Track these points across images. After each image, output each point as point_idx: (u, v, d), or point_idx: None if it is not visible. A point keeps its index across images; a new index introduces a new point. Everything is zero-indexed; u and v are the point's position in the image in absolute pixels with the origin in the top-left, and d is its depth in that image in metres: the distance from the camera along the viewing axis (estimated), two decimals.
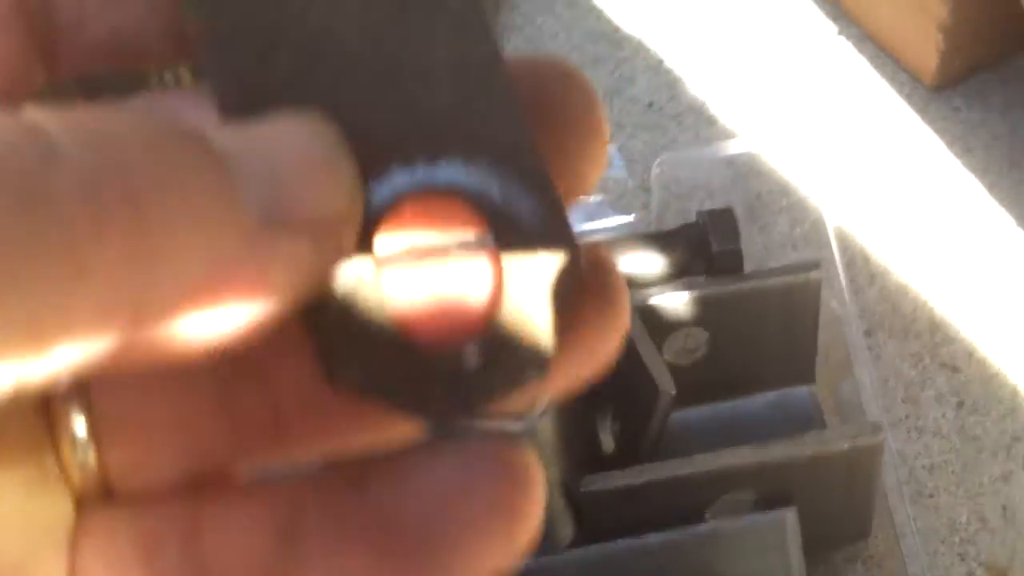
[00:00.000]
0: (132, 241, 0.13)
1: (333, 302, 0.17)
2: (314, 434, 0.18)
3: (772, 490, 0.45)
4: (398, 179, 0.17)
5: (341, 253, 0.16)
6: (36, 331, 0.12)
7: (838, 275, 0.52)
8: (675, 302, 0.50)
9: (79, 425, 0.16)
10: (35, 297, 0.12)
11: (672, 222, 0.54)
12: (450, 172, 0.18)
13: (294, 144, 0.15)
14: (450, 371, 0.17)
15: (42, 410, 0.17)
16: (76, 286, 0.13)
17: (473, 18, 0.18)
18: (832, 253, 0.53)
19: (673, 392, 0.45)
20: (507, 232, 0.17)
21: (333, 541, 0.17)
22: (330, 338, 0.17)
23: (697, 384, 0.50)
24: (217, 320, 0.14)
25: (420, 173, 0.17)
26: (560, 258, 0.17)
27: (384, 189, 0.17)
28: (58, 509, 0.17)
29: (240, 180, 0.14)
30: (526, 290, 0.17)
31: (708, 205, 0.57)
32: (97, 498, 0.17)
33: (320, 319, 0.17)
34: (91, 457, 0.17)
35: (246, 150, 0.15)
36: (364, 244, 0.17)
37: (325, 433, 0.18)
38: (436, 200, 0.17)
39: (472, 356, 0.17)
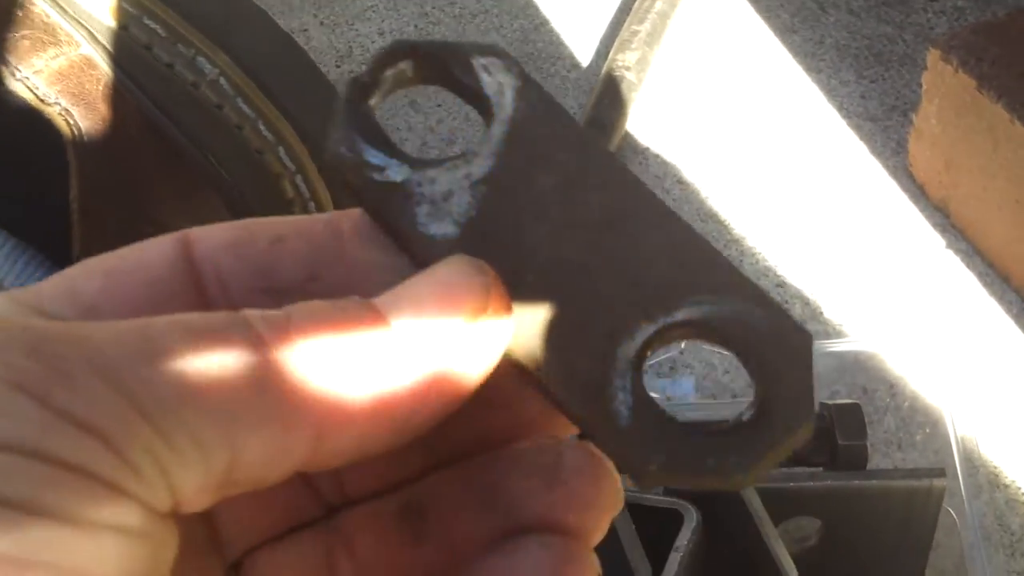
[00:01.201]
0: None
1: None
2: None
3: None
4: (644, 331, 0.22)
5: (502, 338, 0.20)
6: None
7: (959, 484, 0.51)
8: (796, 491, 0.49)
9: None
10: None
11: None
12: (686, 313, 0.23)
13: (435, 278, 0.20)
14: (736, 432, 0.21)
15: None
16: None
17: (664, 211, 0.23)
18: (954, 462, 0.52)
19: None
20: (748, 338, 0.22)
21: None
22: (626, 449, 0.21)
23: (807, 572, 0.49)
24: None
25: (661, 320, 0.22)
26: (804, 338, 0.22)
27: (634, 342, 0.22)
28: None
29: (392, 316, 0.19)
30: (787, 364, 0.22)
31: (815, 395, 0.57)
32: None
33: (605, 434, 0.21)
34: None
35: (398, 293, 0.20)
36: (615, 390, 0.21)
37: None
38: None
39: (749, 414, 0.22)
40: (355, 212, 0.22)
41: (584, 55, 0.76)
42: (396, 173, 0.22)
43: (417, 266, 0.21)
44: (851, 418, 0.50)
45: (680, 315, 0.22)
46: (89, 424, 0.16)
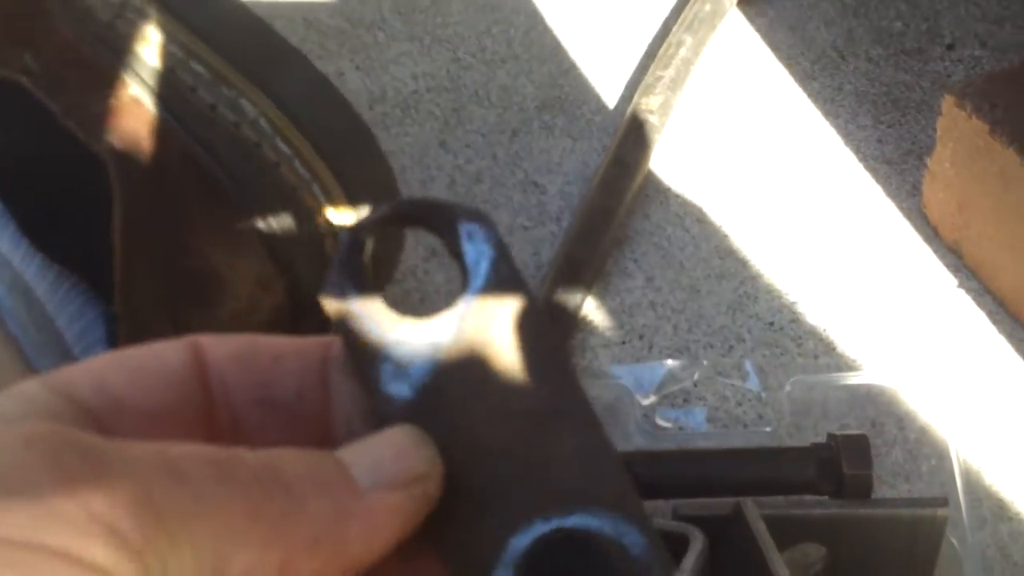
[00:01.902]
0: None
1: None
2: None
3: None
4: (538, 527, 0.24)
5: (429, 503, 0.23)
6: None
7: (961, 514, 0.53)
8: (801, 518, 0.50)
9: None
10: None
11: (788, 437, 0.55)
12: (576, 520, 0.24)
13: (392, 442, 0.23)
14: None
15: None
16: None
17: (590, 419, 0.25)
18: (957, 493, 0.53)
19: None
20: (622, 559, 0.24)
21: None
22: None
23: None
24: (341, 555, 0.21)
25: (555, 522, 0.24)
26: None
27: (527, 536, 0.24)
28: None
29: (354, 468, 0.23)
30: None
31: (824, 426, 0.59)
32: None
33: None
34: None
35: (359, 452, 0.23)
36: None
37: None
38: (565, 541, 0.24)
39: None
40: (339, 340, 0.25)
41: (609, 99, 0.79)
42: (374, 328, 0.25)
43: (376, 413, 0.24)
44: (857, 448, 0.52)
45: (571, 521, 0.25)
46: (118, 530, 0.19)
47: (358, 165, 0.54)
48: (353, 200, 0.53)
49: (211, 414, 0.24)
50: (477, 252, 0.25)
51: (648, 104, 0.76)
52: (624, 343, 0.65)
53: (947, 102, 0.68)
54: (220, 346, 0.24)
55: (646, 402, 0.55)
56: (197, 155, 0.50)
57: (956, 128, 0.67)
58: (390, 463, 0.22)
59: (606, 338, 0.65)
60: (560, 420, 0.25)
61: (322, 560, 0.21)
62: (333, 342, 0.25)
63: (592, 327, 0.66)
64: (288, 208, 0.51)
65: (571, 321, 0.65)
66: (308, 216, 0.52)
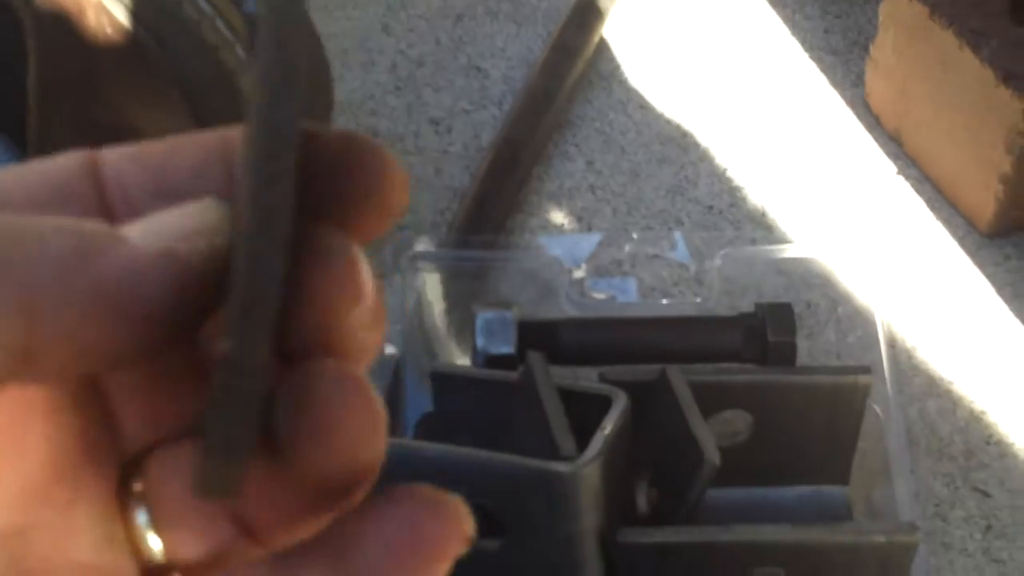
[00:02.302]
0: None
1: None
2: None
3: (804, 572, 0.45)
4: None
5: (214, 258, 0.20)
6: None
7: (885, 385, 0.53)
8: (726, 384, 0.51)
9: (142, 517, 0.21)
10: None
11: (723, 312, 0.55)
12: None
13: (183, 208, 0.21)
14: None
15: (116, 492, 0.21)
16: None
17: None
18: (882, 364, 0.54)
19: (718, 463, 0.46)
20: None
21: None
22: None
23: (734, 466, 0.51)
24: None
25: None
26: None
27: None
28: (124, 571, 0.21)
29: (127, 229, 0.20)
30: None
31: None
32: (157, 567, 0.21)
33: None
34: (151, 540, 0.21)
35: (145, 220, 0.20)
36: None
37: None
38: None
39: None
40: None
41: None
42: None
43: None
44: (782, 316, 0.52)
45: None
46: None
47: None
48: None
49: (108, 210, 0.23)
50: None
51: None
52: (562, 225, 0.65)
53: None
54: (116, 150, 0.23)
55: (577, 273, 0.55)
56: (114, 10, 0.48)
57: (897, 12, 0.67)
58: (169, 219, 0.20)
59: (545, 220, 0.65)
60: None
61: (78, 308, 0.19)
62: (233, 133, 0.23)
63: (531, 209, 0.66)
64: (208, 67, 0.50)
65: (510, 203, 0.64)
66: (229, 77, 0.51)
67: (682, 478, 0.47)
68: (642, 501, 0.49)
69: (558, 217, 0.65)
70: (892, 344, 0.61)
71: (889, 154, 0.69)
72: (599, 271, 0.58)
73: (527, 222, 0.65)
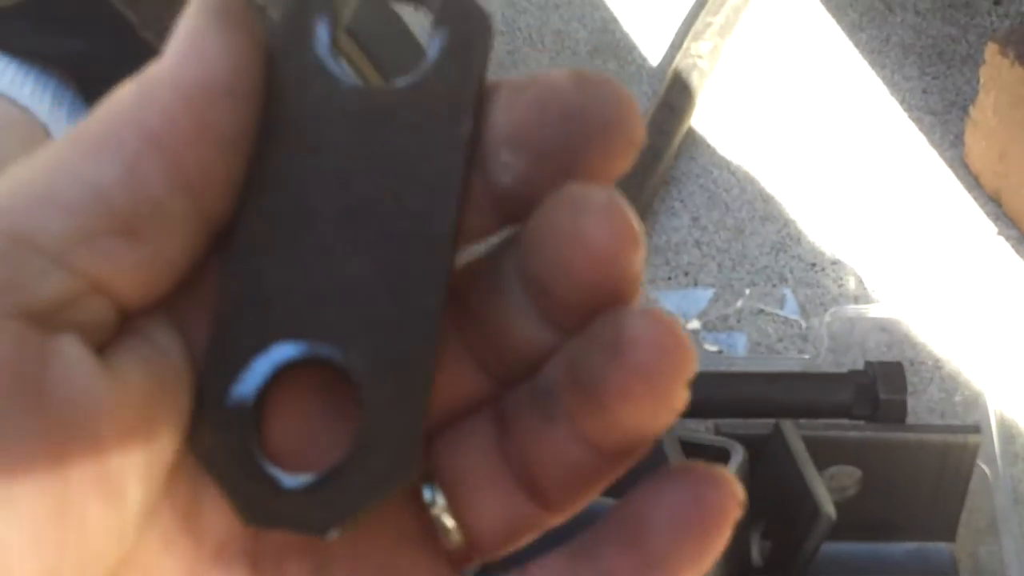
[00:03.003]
0: None
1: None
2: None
3: None
4: (282, 350, 0.20)
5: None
6: None
7: (993, 443, 0.54)
8: (837, 440, 0.52)
9: (439, 502, 0.21)
10: None
11: (830, 369, 0.57)
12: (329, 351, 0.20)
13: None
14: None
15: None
16: None
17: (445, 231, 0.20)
18: (989, 423, 0.55)
19: (833, 516, 0.48)
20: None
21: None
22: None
23: (843, 521, 0.52)
24: None
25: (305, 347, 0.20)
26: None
27: (266, 362, 0.20)
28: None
29: None
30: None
31: (861, 362, 0.60)
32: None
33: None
34: (449, 524, 0.21)
35: None
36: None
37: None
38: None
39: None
40: None
41: (660, 45, 0.80)
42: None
43: None
44: (893, 375, 0.53)
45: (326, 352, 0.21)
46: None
47: None
48: None
49: None
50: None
51: (697, 50, 0.77)
52: (669, 279, 0.67)
53: (990, 50, 0.68)
54: None
55: (690, 326, 0.57)
56: None
57: (999, 76, 0.68)
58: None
59: (652, 275, 0.67)
60: (416, 242, 0.20)
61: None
62: None
63: (646, 260, 0.68)
64: None
65: None
66: None
67: (797, 531, 0.49)
68: (756, 553, 0.51)
69: (665, 272, 0.68)
70: (1000, 408, 0.62)
71: (989, 215, 0.71)
72: (709, 326, 0.60)
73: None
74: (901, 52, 0.80)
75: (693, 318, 0.57)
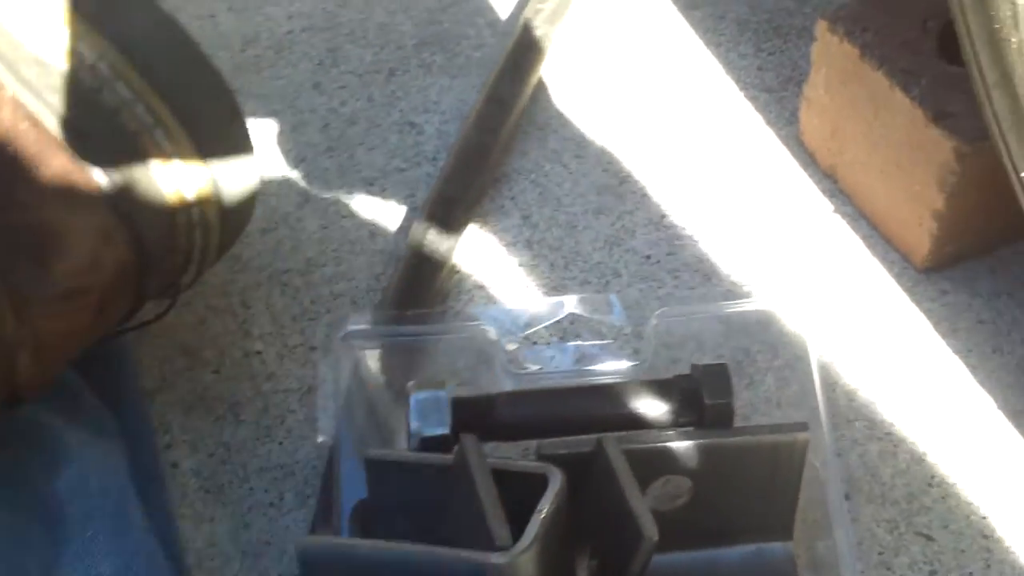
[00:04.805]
0: None
1: None
2: None
3: None
4: None
5: None
6: None
7: (823, 438, 0.53)
8: (663, 451, 0.50)
9: None
10: None
11: (663, 370, 0.55)
12: None
13: None
14: None
15: None
16: None
17: None
18: (820, 416, 0.54)
19: (656, 538, 0.46)
20: None
21: None
22: None
23: (677, 530, 0.51)
24: None
25: None
26: None
27: None
28: None
29: None
30: None
31: (698, 357, 0.59)
32: None
33: None
34: None
35: None
36: None
37: None
38: None
39: None
40: None
41: (489, 34, 0.77)
42: None
43: None
44: (717, 378, 0.52)
45: None
46: None
47: (205, 110, 0.52)
48: (199, 145, 0.51)
49: None
50: None
51: (526, 38, 0.75)
52: (500, 283, 0.65)
53: (820, 27, 0.67)
54: None
55: (511, 347, 0.55)
56: (28, 103, 0.48)
57: (829, 53, 0.67)
58: None
59: (481, 280, 0.65)
60: None
61: None
62: None
63: (468, 267, 0.65)
64: (129, 156, 0.49)
65: (444, 263, 0.64)
66: (151, 164, 0.50)
67: (622, 552, 0.47)
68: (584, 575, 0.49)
69: (495, 275, 0.65)
70: (833, 388, 0.61)
71: (824, 191, 0.70)
72: (534, 339, 0.58)
73: (464, 282, 0.64)
74: (736, 28, 0.78)
75: (516, 336, 0.55)
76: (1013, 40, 0.53)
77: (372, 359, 0.54)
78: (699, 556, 0.52)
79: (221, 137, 0.52)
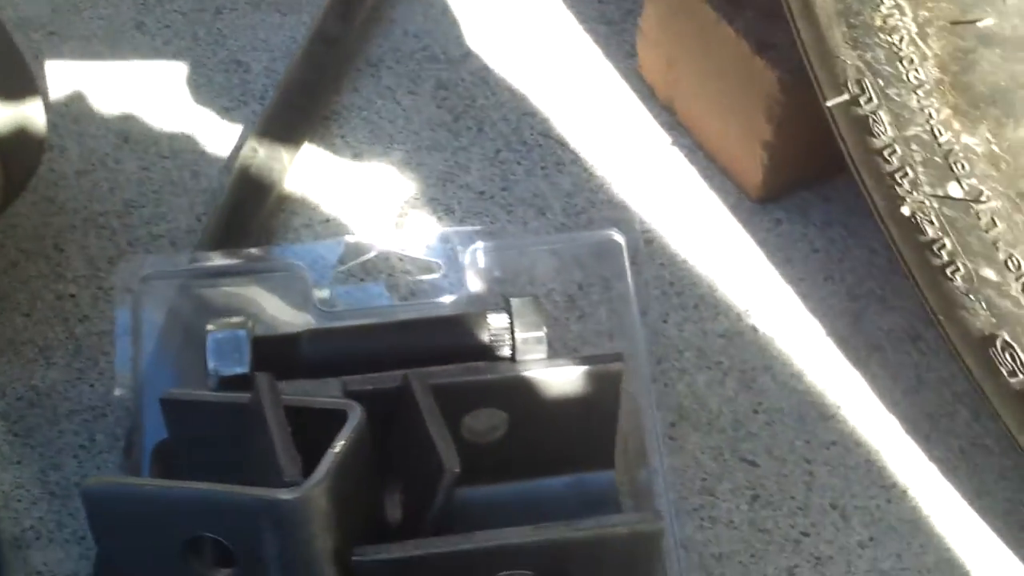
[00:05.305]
0: None
1: None
2: None
3: (551, 571, 0.44)
4: None
5: None
6: None
7: (643, 368, 0.53)
8: (475, 384, 0.49)
9: None
10: None
11: (491, 302, 0.54)
12: None
13: None
14: None
15: None
16: None
17: None
18: (640, 345, 0.53)
19: (457, 470, 0.45)
20: None
21: None
22: None
23: (498, 463, 0.50)
24: None
25: None
26: None
27: None
28: None
29: None
30: None
31: (529, 290, 0.58)
32: None
33: None
34: None
35: None
36: None
37: None
38: None
39: None
40: None
41: None
42: None
43: None
44: (530, 311, 0.51)
45: None
46: None
47: None
48: None
49: None
50: None
51: None
52: (328, 221, 0.63)
53: None
54: None
55: (322, 292, 0.53)
56: None
57: None
58: None
59: (308, 218, 0.63)
60: None
61: None
62: None
63: (294, 208, 0.63)
64: None
65: (266, 199, 0.62)
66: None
67: (427, 485, 0.46)
68: (394, 511, 0.48)
69: (323, 214, 0.63)
70: (664, 319, 0.60)
71: (663, 124, 0.69)
72: (344, 273, 0.56)
73: (290, 221, 0.63)
74: None
75: (329, 275, 0.53)
76: None
77: (179, 300, 0.52)
78: (521, 487, 0.52)
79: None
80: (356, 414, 0.45)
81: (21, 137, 0.51)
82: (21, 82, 0.51)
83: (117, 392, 0.50)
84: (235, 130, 0.67)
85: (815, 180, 0.66)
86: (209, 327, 0.48)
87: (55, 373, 0.56)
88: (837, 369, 0.59)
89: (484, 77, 0.70)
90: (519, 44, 0.72)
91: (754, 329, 0.60)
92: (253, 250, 0.55)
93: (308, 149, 0.66)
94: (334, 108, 0.68)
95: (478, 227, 0.61)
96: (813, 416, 0.57)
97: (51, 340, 0.57)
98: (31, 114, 0.52)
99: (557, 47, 0.72)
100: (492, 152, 0.67)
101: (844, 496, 0.54)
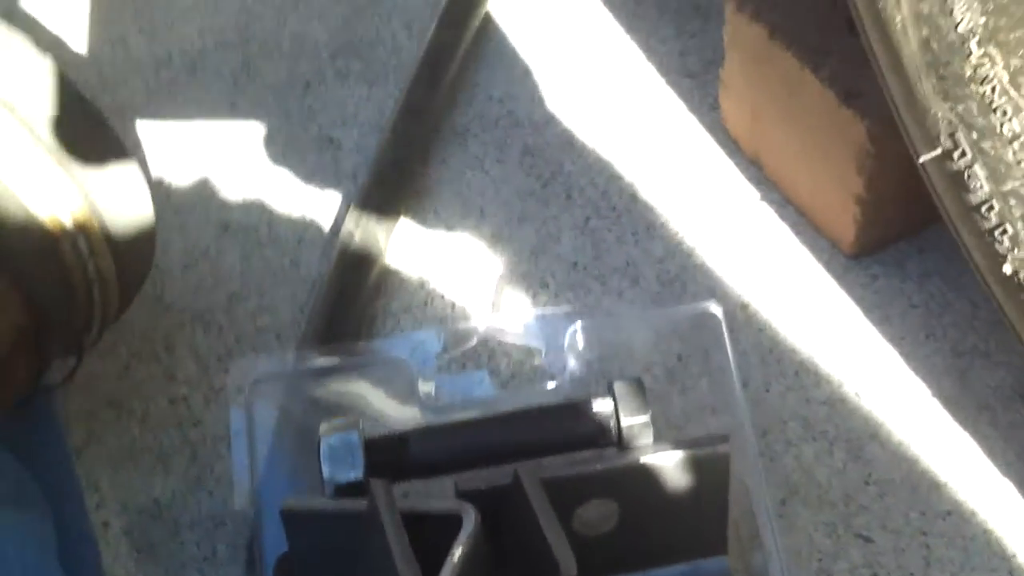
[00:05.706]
0: None
1: None
2: None
3: None
4: None
5: None
6: None
7: (751, 442, 0.53)
8: (583, 475, 0.50)
9: None
10: None
11: (592, 384, 0.55)
12: None
13: None
14: None
15: None
16: None
17: None
18: (744, 418, 0.53)
19: (574, 572, 0.45)
20: None
21: None
22: None
23: (610, 554, 0.50)
24: None
25: None
26: None
27: None
28: None
29: None
30: None
31: (629, 366, 0.58)
32: None
33: None
34: None
35: None
36: None
37: None
38: None
39: None
40: None
41: (406, 37, 0.76)
42: None
43: None
44: (633, 396, 0.51)
45: None
46: None
47: (90, 157, 0.51)
48: (86, 195, 0.50)
49: None
50: None
51: (441, 37, 0.73)
52: (426, 305, 0.64)
53: (728, 8, 0.66)
54: None
55: (424, 387, 0.54)
56: None
57: (739, 35, 0.66)
58: None
59: (407, 302, 0.64)
60: None
61: None
62: None
63: (393, 290, 0.64)
64: (13, 213, 0.48)
65: (367, 289, 0.63)
66: (36, 220, 0.49)
67: None
68: None
69: (421, 296, 0.64)
70: (767, 388, 0.60)
71: (751, 179, 0.69)
72: (444, 364, 0.57)
73: (389, 306, 0.63)
74: (656, 11, 0.77)
75: (432, 365, 0.54)
76: (897, 19, 0.52)
77: (289, 400, 0.53)
78: None
79: (106, 182, 0.51)
80: (471, 518, 0.46)
81: (134, 244, 0.52)
82: (133, 182, 0.52)
83: (237, 503, 0.51)
84: (330, 210, 0.68)
85: (910, 231, 0.65)
86: (321, 430, 0.49)
87: (174, 482, 0.57)
88: (946, 432, 0.58)
89: (569, 140, 0.71)
90: (602, 103, 0.72)
91: (857, 395, 0.60)
92: (357, 344, 0.56)
93: (403, 225, 0.67)
94: (425, 182, 0.69)
95: (574, 306, 0.61)
96: (925, 485, 0.56)
97: (167, 447, 0.58)
98: (143, 213, 0.53)
99: (640, 103, 0.72)
100: (582, 220, 0.67)
101: (964, 570, 0.53)
